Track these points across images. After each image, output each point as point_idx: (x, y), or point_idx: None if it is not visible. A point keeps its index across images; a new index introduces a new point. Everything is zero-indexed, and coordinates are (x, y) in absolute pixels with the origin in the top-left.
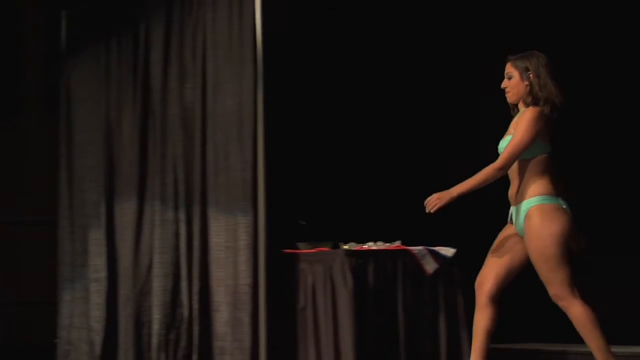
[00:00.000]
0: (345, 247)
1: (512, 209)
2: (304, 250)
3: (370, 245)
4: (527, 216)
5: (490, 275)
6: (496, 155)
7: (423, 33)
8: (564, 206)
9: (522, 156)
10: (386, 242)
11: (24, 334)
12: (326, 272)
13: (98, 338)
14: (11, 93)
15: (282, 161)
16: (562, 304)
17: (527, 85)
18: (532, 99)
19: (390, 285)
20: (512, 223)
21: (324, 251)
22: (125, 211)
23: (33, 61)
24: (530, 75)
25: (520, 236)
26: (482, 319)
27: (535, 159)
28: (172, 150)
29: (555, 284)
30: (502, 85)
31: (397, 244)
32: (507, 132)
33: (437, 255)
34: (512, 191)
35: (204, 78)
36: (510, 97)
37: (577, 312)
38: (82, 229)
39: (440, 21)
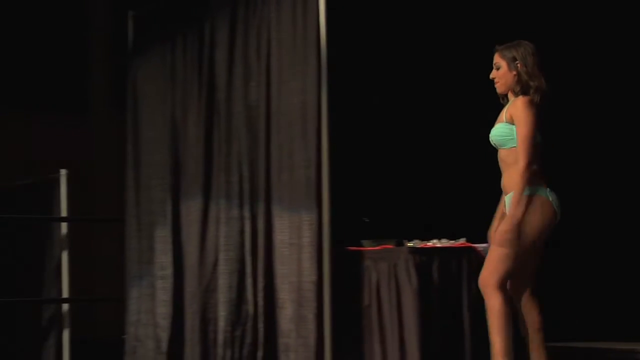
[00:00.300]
0: (410, 244)
1: (505, 198)
2: (368, 247)
3: (434, 243)
4: (510, 205)
5: (523, 274)
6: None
7: (490, 31)
8: (550, 198)
9: (510, 144)
10: (451, 239)
11: (95, 330)
12: (390, 270)
13: (164, 335)
14: (80, 91)
15: (346, 159)
16: (484, 290)
17: (515, 74)
18: (521, 88)
19: (455, 283)
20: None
21: (388, 249)
22: (191, 209)
23: (101, 60)
24: (518, 64)
25: None
26: (533, 316)
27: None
28: (237, 149)
29: (493, 271)
30: (491, 76)
31: (462, 242)
32: (497, 121)
33: None
34: (503, 181)
35: (268, 76)
36: (499, 88)
37: (494, 305)
38: (149, 226)
39: (503, 18)
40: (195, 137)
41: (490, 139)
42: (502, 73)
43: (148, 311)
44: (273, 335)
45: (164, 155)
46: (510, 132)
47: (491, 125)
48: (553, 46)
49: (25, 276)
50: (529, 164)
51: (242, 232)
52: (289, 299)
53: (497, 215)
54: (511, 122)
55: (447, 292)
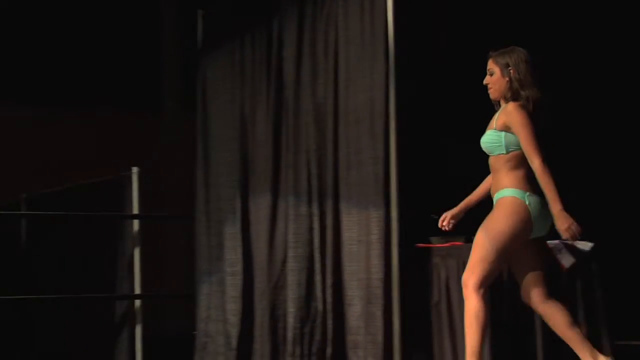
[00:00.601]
0: None
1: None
2: (436, 244)
3: None
4: (494, 208)
5: (529, 282)
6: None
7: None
8: (531, 205)
9: (498, 151)
10: None
11: (165, 326)
12: (459, 267)
13: (234, 331)
14: (151, 89)
15: (414, 155)
16: (465, 291)
17: (507, 81)
18: (512, 94)
19: None
20: None
21: (457, 245)
22: (260, 206)
23: (172, 59)
24: (511, 70)
25: None
26: (557, 318)
27: (510, 154)
28: (305, 146)
29: (475, 272)
30: (485, 82)
31: None
32: (488, 127)
33: (574, 250)
34: (492, 186)
35: (335, 74)
36: (493, 94)
37: (472, 306)
38: (218, 223)
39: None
40: (264, 135)
41: (483, 146)
42: (495, 79)
43: (218, 307)
44: (341, 333)
45: (233, 153)
46: (498, 139)
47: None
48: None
49: (98, 273)
50: (544, 160)
51: (310, 229)
52: (358, 296)
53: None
54: (501, 129)
55: (517, 289)
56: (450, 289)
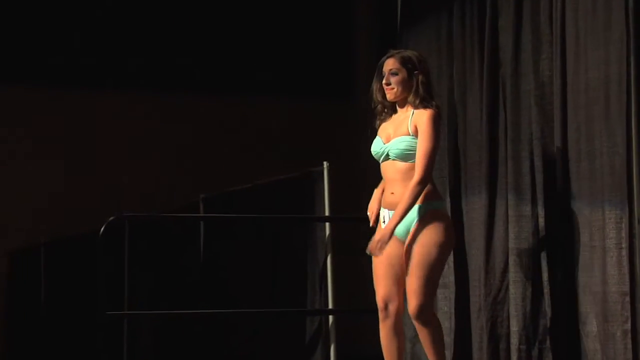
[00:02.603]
0: None
1: (387, 213)
2: None
3: None
4: (421, 220)
5: (394, 293)
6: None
7: None
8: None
9: (409, 159)
10: None
11: (361, 343)
12: None
13: (447, 353)
14: (343, 73)
15: None
16: (422, 318)
17: (414, 85)
18: (421, 100)
19: None
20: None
21: None
22: (474, 205)
23: (366, 38)
24: (419, 75)
25: (399, 241)
26: (395, 343)
27: None
28: (527, 133)
29: (427, 295)
30: (385, 81)
31: None
32: (395, 132)
33: None
34: (393, 195)
35: (563, 46)
36: (392, 94)
37: (434, 327)
38: None
39: None
40: (477, 120)
41: (375, 154)
42: (399, 80)
43: None
44: (575, 355)
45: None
46: (413, 145)
47: None
48: None
49: (285, 283)
50: (426, 179)
51: (535, 233)
52: (593, 313)
53: (382, 230)
54: (415, 135)
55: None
56: None
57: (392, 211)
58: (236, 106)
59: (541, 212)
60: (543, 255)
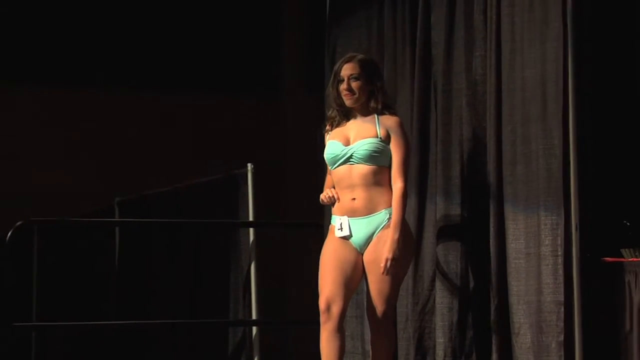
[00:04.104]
0: None
1: (345, 220)
2: (629, 258)
3: None
4: (388, 226)
5: (339, 295)
6: None
7: None
8: None
9: (382, 162)
10: None
11: (288, 356)
12: None
13: None
14: (266, 69)
15: (598, 144)
16: (385, 325)
17: (373, 90)
18: (382, 105)
19: None
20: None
21: None
22: None
23: (294, 36)
24: (378, 82)
25: (358, 251)
26: (336, 345)
27: (387, 167)
28: (458, 134)
29: (391, 304)
30: (345, 87)
31: None
32: (356, 137)
33: None
34: (354, 201)
35: (497, 43)
36: (352, 100)
37: (392, 336)
38: None
39: None
40: (407, 120)
41: (330, 160)
42: (359, 85)
43: (355, 337)
44: None
45: None
46: (384, 149)
47: None
48: None
49: (207, 291)
50: (406, 188)
51: (465, 239)
52: (527, 323)
53: (335, 240)
54: (385, 139)
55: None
56: None
57: (353, 218)
58: (155, 104)
59: (471, 217)
60: (472, 263)
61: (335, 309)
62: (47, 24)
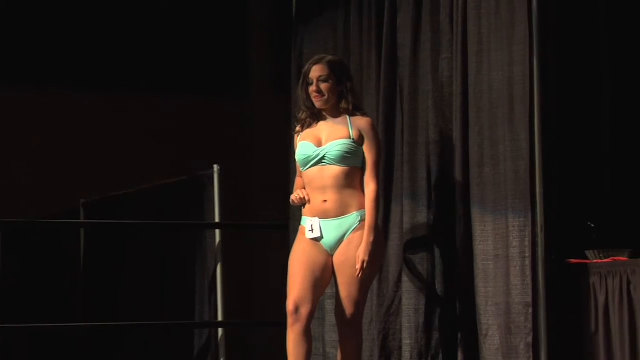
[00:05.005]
0: None
1: (316, 221)
2: (594, 260)
3: None
4: (358, 229)
5: (308, 297)
6: None
7: None
8: None
9: (354, 163)
10: None
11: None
12: (623, 288)
13: None
14: (233, 70)
15: (565, 148)
16: (354, 327)
17: (343, 91)
18: (353, 106)
19: None
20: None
21: (620, 261)
22: None
23: (261, 36)
24: (348, 83)
25: (328, 252)
26: (303, 347)
27: (359, 169)
28: (425, 136)
29: (360, 307)
30: (315, 89)
31: None
32: (328, 138)
33: None
34: (325, 203)
35: (464, 46)
36: (322, 102)
37: (360, 338)
38: None
39: None
40: (373, 121)
41: (301, 161)
42: (329, 87)
43: (316, 338)
44: None
45: None
46: (356, 151)
47: None
48: None
49: (173, 293)
50: (379, 187)
51: (432, 241)
52: (495, 325)
53: (304, 241)
54: (358, 141)
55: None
56: (610, 317)
57: (324, 220)
58: (121, 104)
59: (438, 219)
60: (439, 264)
61: (304, 311)
62: (4, 23)
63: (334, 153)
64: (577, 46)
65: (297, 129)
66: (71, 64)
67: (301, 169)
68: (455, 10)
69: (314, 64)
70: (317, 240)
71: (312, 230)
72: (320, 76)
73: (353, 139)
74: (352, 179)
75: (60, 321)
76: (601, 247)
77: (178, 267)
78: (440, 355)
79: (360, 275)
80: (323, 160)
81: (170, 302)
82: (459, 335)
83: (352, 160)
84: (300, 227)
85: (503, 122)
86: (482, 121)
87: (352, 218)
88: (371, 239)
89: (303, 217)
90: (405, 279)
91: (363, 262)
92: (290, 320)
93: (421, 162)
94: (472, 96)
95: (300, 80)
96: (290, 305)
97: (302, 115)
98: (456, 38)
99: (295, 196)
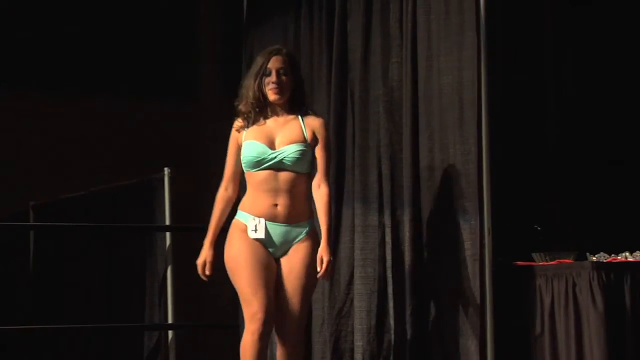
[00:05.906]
0: (594, 258)
1: (262, 222)
2: (540, 262)
3: (626, 256)
4: (305, 238)
5: (269, 298)
6: None
7: None
8: None
9: (306, 168)
10: None
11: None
12: (569, 290)
13: None
14: (183, 73)
15: (512, 151)
16: (298, 338)
17: (296, 88)
18: (299, 102)
19: None
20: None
21: (565, 263)
22: None
23: (210, 39)
24: (301, 80)
25: (270, 254)
26: (261, 350)
27: (309, 175)
28: (375, 140)
29: (303, 319)
30: (274, 80)
31: None
32: (283, 139)
33: None
34: (276, 207)
35: (414, 50)
36: (278, 96)
37: (303, 348)
38: None
39: None
40: None
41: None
42: (288, 80)
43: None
44: None
45: None
46: (308, 154)
47: None
48: None
49: (123, 295)
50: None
51: (382, 244)
52: (446, 327)
53: (245, 237)
54: (312, 141)
55: None
56: (556, 318)
57: (272, 223)
58: (72, 106)
59: (389, 222)
60: (389, 267)
61: (268, 314)
62: None
63: (292, 158)
64: (524, 51)
65: (240, 123)
66: (19, 65)
67: (249, 169)
68: (405, 15)
69: (274, 55)
70: (259, 241)
71: (255, 230)
72: (280, 68)
73: (307, 142)
74: (305, 185)
75: (8, 324)
76: (547, 249)
77: (128, 270)
78: (392, 357)
79: (323, 276)
80: (279, 164)
81: (120, 304)
82: (410, 337)
83: (306, 166)
84: (235, 222)
85: (453, 126)
86: (432, 125)
87: (300, 227)
88: (329, 240)
89: (244, 214)
90: (356, 281)
91: (328, 262)
92: (259, 328)
93: (372, 166)
94: (422, 100)
95: (255, 69)
96: (260, 314)
97: (245, 108)
98: (406, 43)
99: (201, 267)
